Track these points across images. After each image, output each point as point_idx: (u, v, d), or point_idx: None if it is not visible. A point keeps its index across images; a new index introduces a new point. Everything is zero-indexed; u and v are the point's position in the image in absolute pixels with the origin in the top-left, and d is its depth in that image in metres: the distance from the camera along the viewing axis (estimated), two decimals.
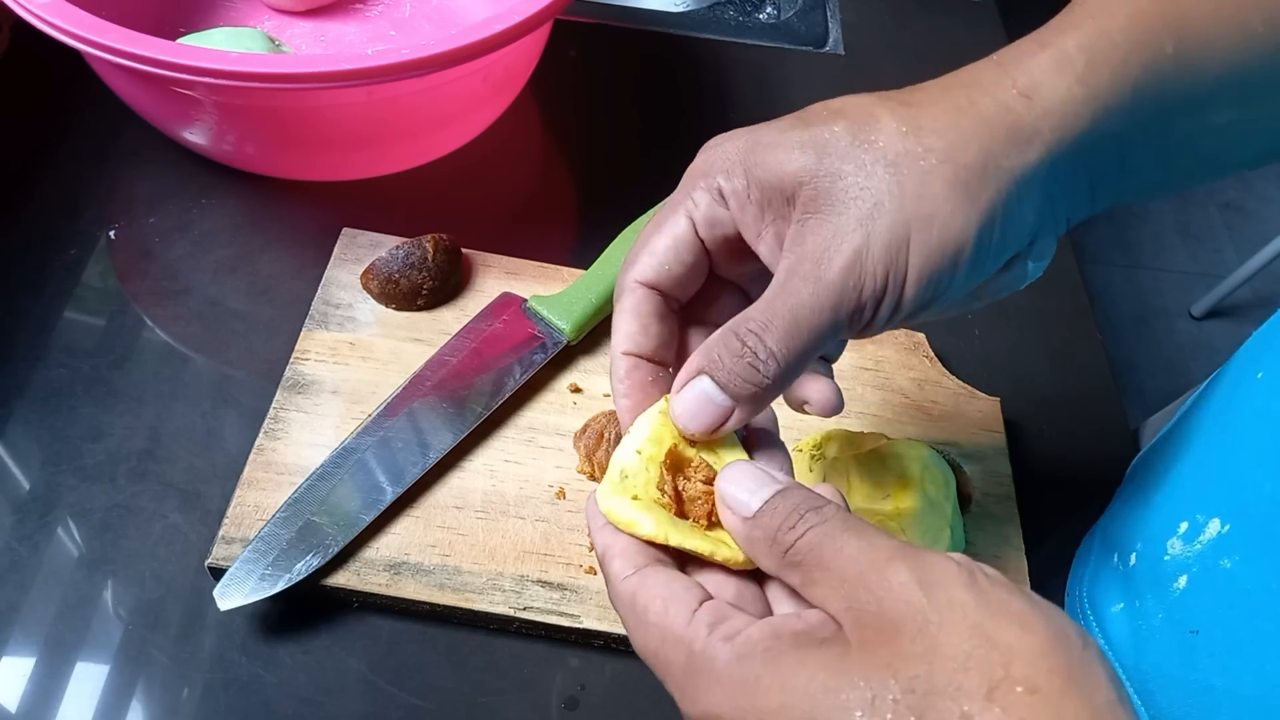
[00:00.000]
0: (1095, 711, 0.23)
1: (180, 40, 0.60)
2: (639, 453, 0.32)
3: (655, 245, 0.34)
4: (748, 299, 0.36)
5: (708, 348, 0.32)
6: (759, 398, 0.32)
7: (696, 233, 0.34)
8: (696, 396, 0.32)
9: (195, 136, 0.59)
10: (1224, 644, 0.40)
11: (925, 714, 0.23)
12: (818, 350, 0.32)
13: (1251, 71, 0.34)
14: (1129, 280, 1.99)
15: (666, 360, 0.35)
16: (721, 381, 0.31)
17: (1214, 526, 0.40)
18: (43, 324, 0.54)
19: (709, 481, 0.32)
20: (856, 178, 0.31)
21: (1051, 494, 0.54)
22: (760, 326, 0.31)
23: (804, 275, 0.31)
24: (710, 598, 0.29)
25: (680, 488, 0.32)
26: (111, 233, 0.59)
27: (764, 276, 0.33)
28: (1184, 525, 0.42)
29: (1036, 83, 0.31)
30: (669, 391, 0.34)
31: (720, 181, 0.33)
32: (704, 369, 0.32)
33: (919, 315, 0.33)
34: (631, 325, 0.34)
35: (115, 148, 0.63)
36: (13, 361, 0.52)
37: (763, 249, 0.33)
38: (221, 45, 0.59)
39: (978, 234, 0.30)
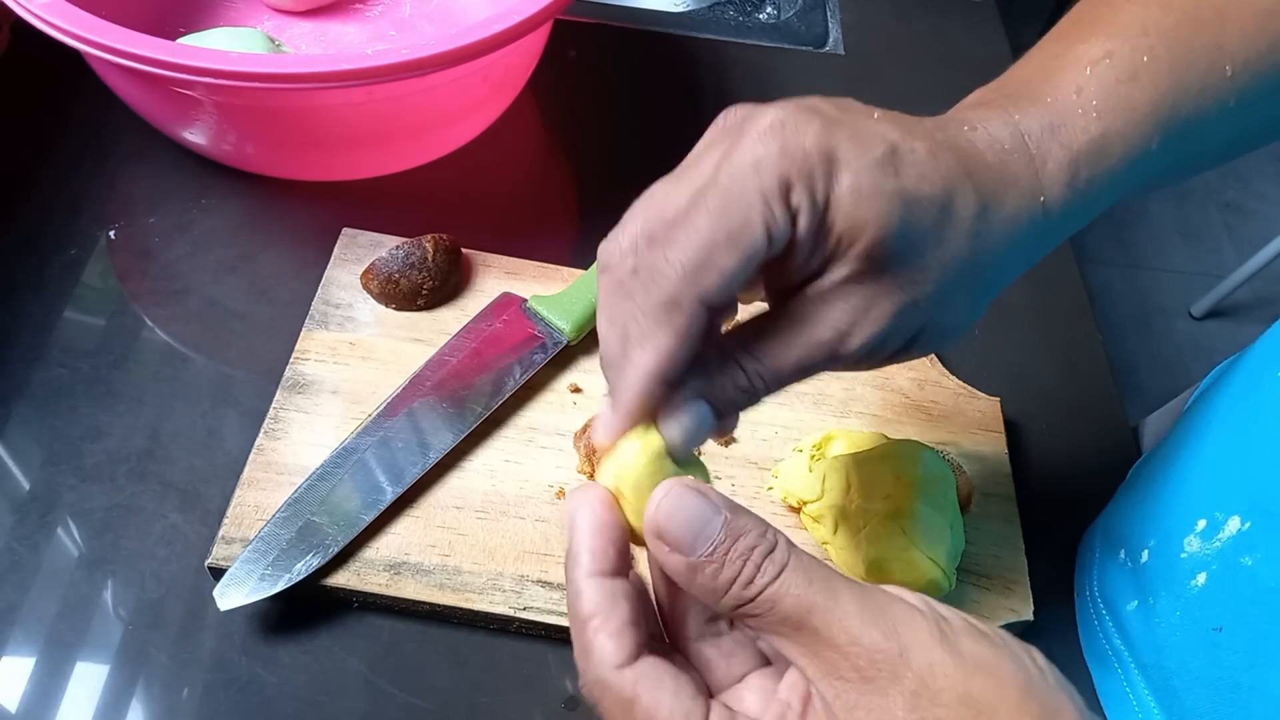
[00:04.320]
0: None
1: (180, 40, 0.60)
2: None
3: (726, 263, 0.28)
4: None
5: (712, 377, 0.31)
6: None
7: (765, 252, 0.29)
8: (697, 420, 0.31)
9: (195, 136, 0.59)
10: (1248, 641, 0.40)
11: None
12: None
13: (1229, 143, 0.37)
14: (1129, 280, 1.99)
15: None
16: (721, 407, 0.31)
17: (1234, 524, 0.40)
18: (43, 324, 0.54)
19: None
20: (912, 286, 0.31)
21: (1051, 494, 0.54)
22: (771, 375, 0.31)
23: (823, 342, 0.31)
24: (709, 695, 0.28)
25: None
26: (111, 233, 0.59)
27: None
28: (1202, 523, 0.42)
29: (1057, 195, 0.33)
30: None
31: (801, 200, 0.29)
32: (706, 395, 0.31)
33: None
34: (681, 351, 0.29)
35: (115, 148, 0.63)
36: (13, 361, 0.52)
37: (777, 279, 0.32)
38: (221, 45, 0.59)
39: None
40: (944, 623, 0.26)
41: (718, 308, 0.29)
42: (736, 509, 0.28)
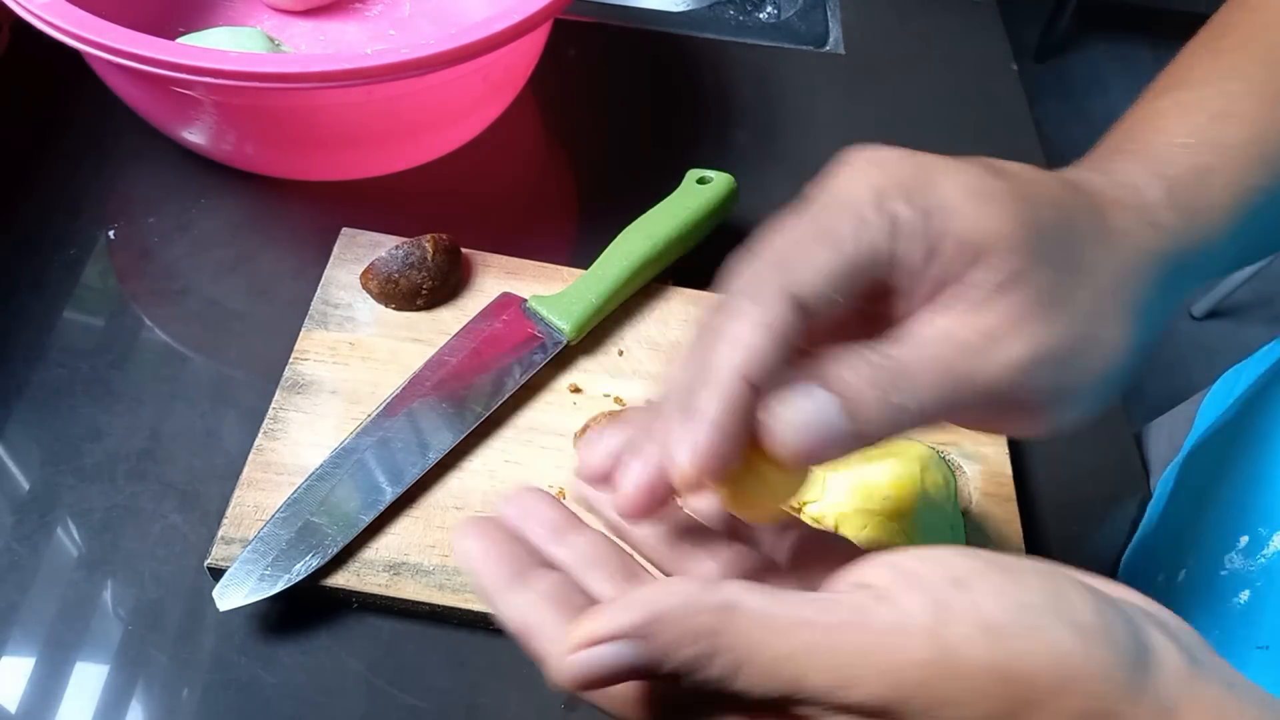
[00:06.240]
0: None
1: (180, 40, 0.60)
2: None
3: (817, 257, 0.26)
4: None
5: (828, 366, 0.26)
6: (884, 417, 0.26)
7: (866, 266, 0.27)
8: (809, 409, 0.26)
9: (195, 136, 0.59)
10: None
11: None
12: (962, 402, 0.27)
13: None
14: None
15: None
16: (848, 398, 0.26)
17: (1278, 540, 0.40)
18: (43, 324, 0.54)
19: None
20: (1061, 305, 0.28)
21: (1052, 495, 0.54)
22: (899, 371, 0.26)
23: (966, 342, 0.27)
24: None
25: None
26: (111, 233, 0.59)
27: None
28: (1244, 539, 0.41)
29: (1170, 222, 0.31)
30: None
31: (898, 207, 0.27)
32: (823, 382, 0.26)
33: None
34: (771, 349, 0.25)
35: (115, 148, 0.63)
36: (13, 361, 0.52)
37: (903, 304, 0.28)
38: (221, 45, 0.59)
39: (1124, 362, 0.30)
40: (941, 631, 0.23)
41: (810, 308, 0.26)
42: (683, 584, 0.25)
